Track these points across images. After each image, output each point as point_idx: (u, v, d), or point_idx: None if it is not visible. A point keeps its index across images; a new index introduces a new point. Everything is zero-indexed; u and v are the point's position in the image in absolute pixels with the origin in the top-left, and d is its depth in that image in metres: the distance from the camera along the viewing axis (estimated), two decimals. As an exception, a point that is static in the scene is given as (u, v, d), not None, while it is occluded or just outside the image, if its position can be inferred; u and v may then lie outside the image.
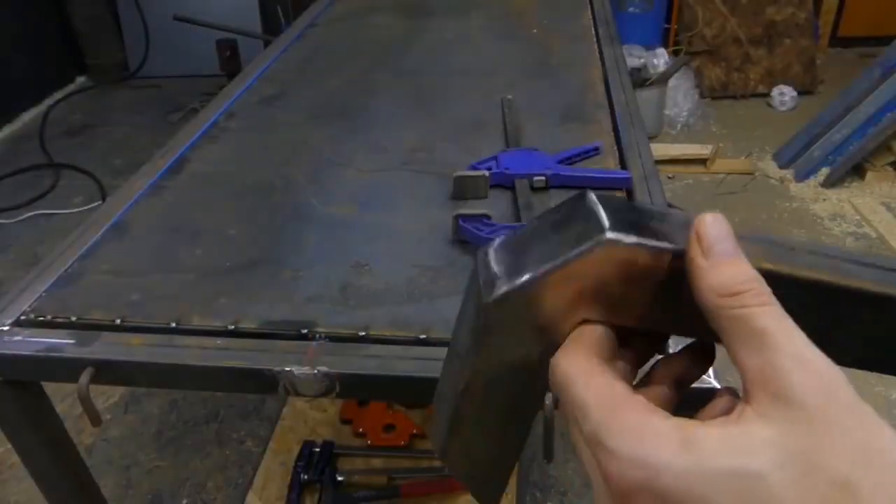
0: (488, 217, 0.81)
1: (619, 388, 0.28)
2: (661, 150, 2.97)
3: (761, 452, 0.24)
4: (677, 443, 0.25)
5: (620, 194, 0.91)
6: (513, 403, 0.34)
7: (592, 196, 0.31)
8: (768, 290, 0.27)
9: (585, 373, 0.29)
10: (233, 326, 0.70)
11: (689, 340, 0.34)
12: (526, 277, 0.29)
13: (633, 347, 0.33)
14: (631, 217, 0.30)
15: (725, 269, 0.28)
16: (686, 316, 0.30)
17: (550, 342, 0.30)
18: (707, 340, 0.33)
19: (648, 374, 0.34)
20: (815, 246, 0.31)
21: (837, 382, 0.25)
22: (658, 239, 0.29)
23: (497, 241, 0.32)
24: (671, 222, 0.30)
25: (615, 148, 1.03)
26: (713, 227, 0.29)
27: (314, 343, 0.68)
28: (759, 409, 0.25)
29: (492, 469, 0.37)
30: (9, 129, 3.64)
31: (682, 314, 0.30)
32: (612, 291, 0.30)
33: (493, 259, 0.30)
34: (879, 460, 0.23)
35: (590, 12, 1.67)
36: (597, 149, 1.00)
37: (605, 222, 0.29)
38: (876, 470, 0.23)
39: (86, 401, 0.66)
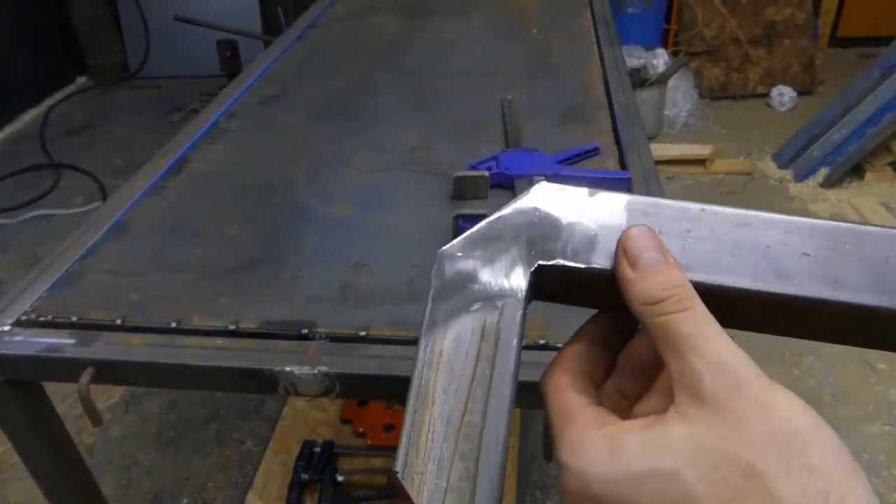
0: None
1: (574, 404, 0.31)
2: (660, 150, 2.97)
3: (676, 451, 0.26)
4: (606, 451, 0.28)
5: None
6: None
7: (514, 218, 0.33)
8: (691, 293, 0.29)
9: (552, 391, 0.32)
10: (233, 326, 0.70)
11: None
12: None
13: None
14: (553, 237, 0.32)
15: (649, 278, 0.30)
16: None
17: None
18: None
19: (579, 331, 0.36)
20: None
21: (747, 378, 0.26)
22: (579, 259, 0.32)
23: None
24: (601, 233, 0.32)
25: (615, 148, 1.03)
26: (638, 239, 0.31)
27: (314, 343, 0.68)
28: (680, 409, 0.27)
29: None
30: (9, 129, 3.64)
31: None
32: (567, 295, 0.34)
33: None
34: (783, 444, 0.25)
35: (590, 13, 1.67)
36: (597, 149, 1.00)
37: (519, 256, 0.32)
38: (778, 452, 0.25)
39: (86, 401, 0.66)
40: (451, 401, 0.29)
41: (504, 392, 0.29)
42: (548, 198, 0.33)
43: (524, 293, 0.31)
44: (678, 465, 0.26)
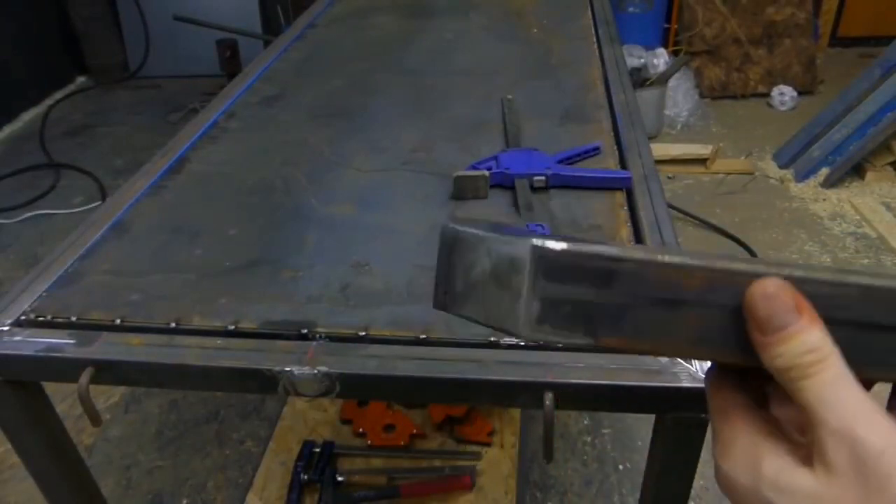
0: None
1: (731, 402, 0.32)
2: (661, 150, 2.97)
3: (798, 499, 0.28)
4: (747, 462, 0.30)
5: (620, 195, 0.91)
6: None
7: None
8: (822, 355, 0.28)
9: (713, 388, 0.33)
10: (233, 326, 0.70)
11: None
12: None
13: None
14: None
15: (777, 346, 0.29)
16: None
17: None
18: None
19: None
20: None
21: (873, 452, 0.26)
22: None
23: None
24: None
25: (615, 148, 1.03)
26: (766, 303, 0.29)
27: (314, 343, 0.68)
28: (813, 460, 0.28)
29: None
30: (9, 129, 3.64)
31: None
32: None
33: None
34: None
35: (590, 12, 1.67)
36: (597, 149, 1.00)
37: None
38: None
39: (86, 401, 0.66)
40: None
41: None
42: None
43: None
44: None
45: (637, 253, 0.29)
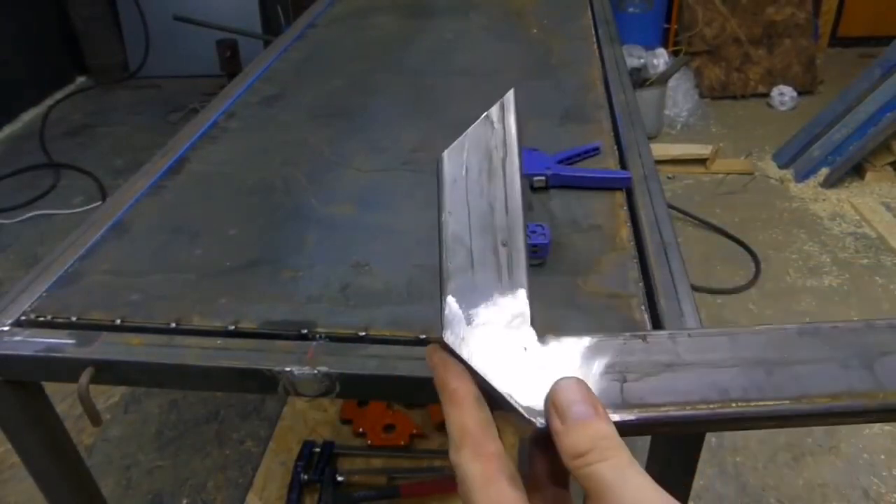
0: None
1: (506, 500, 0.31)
2: (661, 150, 2.97)
3: None
4: None
5: (620, 195, 0.91)
6: None
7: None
8: (616, 442, 0.30)
9: (481, 478, 0.31)
10: (233, 326, 0.70)
11: None
12: None
13: None
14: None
15: (576, 432, 0.30)
16: None
17: None
18: None
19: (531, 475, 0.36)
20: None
21: None
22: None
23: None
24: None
25: (615, 148, 1.03)
26: (566, 393, 0.31)
27: (314, 343, 0.68)
28: None
29: None
30: (9, 129, 3.64)
31: None
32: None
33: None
34: None
35: (590, 12, 1.67)
36: (597, 149, 1.00)
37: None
38: None
39: (86, 401, 0.66)
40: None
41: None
42: None
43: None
44: None
45: (629, 416, 0.32)
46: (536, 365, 0.32)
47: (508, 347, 0.32)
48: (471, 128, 0.38)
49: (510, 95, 0.38)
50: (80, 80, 4.25)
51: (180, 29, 3.66)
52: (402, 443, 1.42)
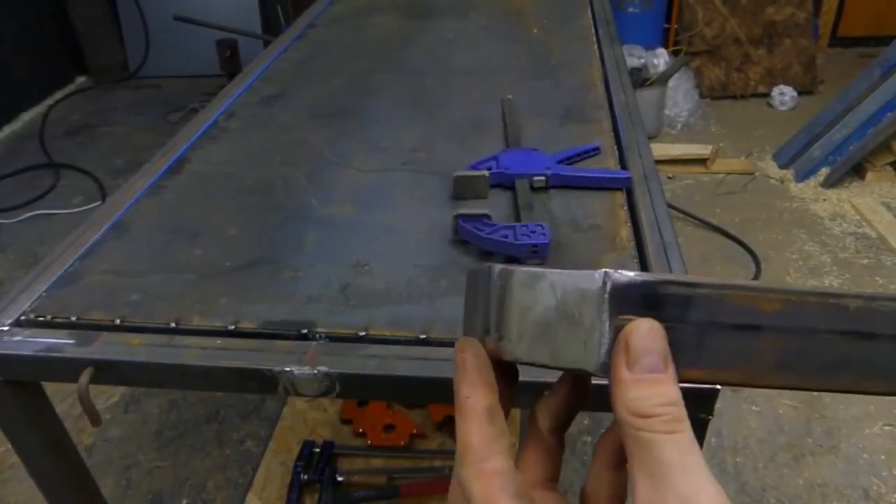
0: (489, 217, 0.81)
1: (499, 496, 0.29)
2: (661, 150, 2.97)
3: None
4: None
5: (620, 195, 0.91)
6: None
7: None
8: (683, 414, 0.27)
9: (473, 476, 0.30)
10: (233, 326, 0.70)
11: None
12: None
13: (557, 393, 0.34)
14: None
15: (644, 387, 0.27)
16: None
17: None
18: None
19: (529, 426, 0.35)
20: None
21: None
22: None
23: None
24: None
25: (615, 148, 1.03)
26: (644, 340, 0.27)
27: (314, 343, 0.68)
28: None
29: None
30: (9, 129, 3.64)
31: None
32: None
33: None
34: None
35: (590, 12, 1.67)
36: (597, 149, 1.00)
37: None
38: None
39: (86, 401, 0.66)
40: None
41: None
42: None
43: None
44: None
45: (710, 279, 0.28)
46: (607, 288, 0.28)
47: (580, 272, 0.29)
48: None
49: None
50: (80, 80, 4.25)
51: (180, 29, 3.66)
52: (402, 443, 1.43)
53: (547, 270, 0.29)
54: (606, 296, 0.27)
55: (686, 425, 0.27)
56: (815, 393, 1.87)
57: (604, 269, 0.27)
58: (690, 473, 0.25)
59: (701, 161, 3.01)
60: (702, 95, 3.66)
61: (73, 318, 0.72)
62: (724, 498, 0.25)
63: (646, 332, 0.27)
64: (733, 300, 0.28)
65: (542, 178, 0.92)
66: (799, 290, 0.28)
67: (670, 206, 1.62)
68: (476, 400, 0.31)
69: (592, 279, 0.27)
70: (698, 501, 0.25)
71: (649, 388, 0.27)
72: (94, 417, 0.69)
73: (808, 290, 0.28)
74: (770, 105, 3.66)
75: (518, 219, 0.85)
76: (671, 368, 0.27)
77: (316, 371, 0.64)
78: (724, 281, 0.28)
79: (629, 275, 0.27)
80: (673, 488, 0.25)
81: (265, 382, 0.65)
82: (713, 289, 0.27)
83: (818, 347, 0.28)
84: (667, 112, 3.41)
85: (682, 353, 0.28)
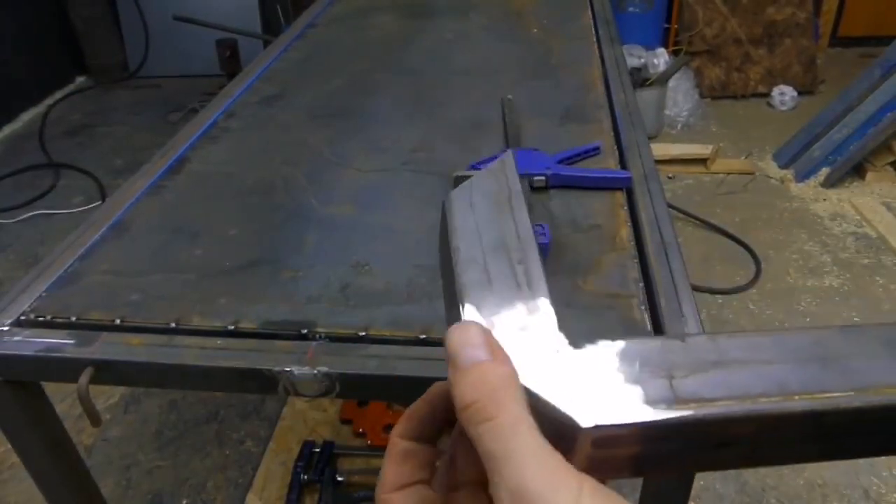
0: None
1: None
2: (661, 150, 2.97)
3: None
4: None
5: (620, 195, 0.91)
6: None
7: None
8: (502, 395, 0.25)
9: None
10: (233, 326, 0.70)
11: None
12: None
13: None
14: None
15: (462, 378, 0.26)
16: None
17: None
18: None
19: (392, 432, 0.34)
20: None
21: None
22: None
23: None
24: None
25: (615, 148, 1.03)
26: (458, 335, 0.27)
27: (314, 343, 0.68)
28: None
29: None
30: (9, 129, 3.64)
31: None
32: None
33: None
34: None
35: (590, 12, 1.67)
36: (597, 149, 1.00)
37: None
38: None
39: (86, 401, 0.66)
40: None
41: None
42: None
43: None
44: None
45: (686, 412, 0.28)
46: (571, 367, 0.29)
47: (539, 351, 0.29)
48: (473, 177, 0.39)
49: (509, 156, 0.39)
50: (80, 80, 4.25)
51: (180, 29, 3.66)
52: (402, 443, 1.42)
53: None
54: (585, 441, 0.27)
55: (506, 408, 0.25)
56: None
57: (589, 419, 0.27)
58: (515, 461, 0.23)
59: (701, 161, 3.01)
60: (702, 95, 3.65)
61: (73, 318, 0.72)
62: (562, 474, 0.23)
63: (461, 330, 0.27)
64: (705, 430, 0.28)
65: (542, 177, 0.92)
66: (774, 411, 0.28)
67: (670, 206, 1.62)
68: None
69: (575, 424, 0.27)
70: (529, 490, 0.23)
71: (463, 379, 0.26)
72: (94, 417, 0.69)
73: (783, 411, 0.28)
74: (770, 105, 3.66)
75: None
76: (500, 353, 0.27)
77: (316, 371, 0.64)
78: (699, 413, 0.28)
79: (614, 426, 0.27)
80: (503, 480, 0.23)
81: (265, 382, 0.65)
82: (687, 424, 0.28)
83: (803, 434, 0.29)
84: (667, 112, 3.41)
85: (648, 465, 0.28)
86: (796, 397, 0.28)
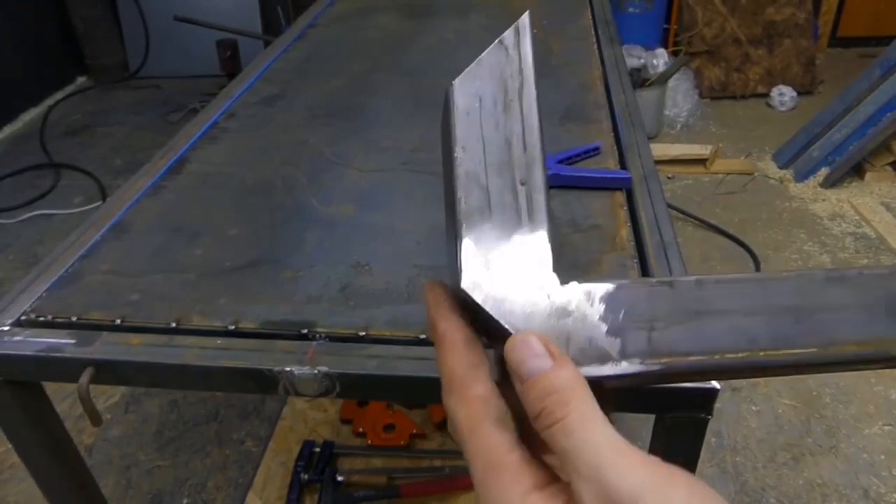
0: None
1: (497, 450, 0.29)
2: (660, 150, 2.97)
3: None
4: None
5: (620, 195, 0.91)
6: None
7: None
8: (566, 397, 0.27)
9: (468, 428, 0.30)
10: (233, 326, 0.70)
11: None
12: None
13: None
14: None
15: (529, 391, 0.28)
16: None
17: None
18: None
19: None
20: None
21: (627, 499, 0.24)
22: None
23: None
24: None
25: (615, 148, 1.03)
26: (515, 352, 0.29)
27: (314, 343, 0.68)
28: None
29: None
30: (9, 129, 3.64)
31: None
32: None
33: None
34: None
35: (590, 12, 1.67)
36: (597, 149, 1.00)
37: None
38: None
39: (86, 401, 0.66)
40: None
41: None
42: None
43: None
44: None
45: (656, 366, 0.30)
46: (558, 311, 0.30)
47: (529, 293, 0.30)
48: (483, 54, 0.36)
49: (525, 19, 0.37)
50: (80, 80, 4.25)
51: (180, 29, 3.66)
52: (402, 443, 1.42)
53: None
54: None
55: (578, 405, 0.26)
56: (815, 392, 1.87)
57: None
58: (587, 453, 0.25)
59: (701, 161, 3.01)
60: (701, 95, 3.66)
61: (74, 318, 0.72)
62: (634, 457, 0.25)
63: (516, 345, 0.29)
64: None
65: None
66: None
67: (670, 206, 1.62)
68: (454, 329, 0.31)
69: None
70: (605, 479, 0.24)
71: (532, 391, 0.27)
72: (95, 417, 0.69)
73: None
74: (770, 105, 3.66)
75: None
76: (561, 358, 0.28)
77: (316, 371, 0.64)
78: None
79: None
80: (577, 472, 0.25)
81: (265, 382, 0.65)
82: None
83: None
84: (666, 112, 3.42)
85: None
86: (761, 353, 0.29)
